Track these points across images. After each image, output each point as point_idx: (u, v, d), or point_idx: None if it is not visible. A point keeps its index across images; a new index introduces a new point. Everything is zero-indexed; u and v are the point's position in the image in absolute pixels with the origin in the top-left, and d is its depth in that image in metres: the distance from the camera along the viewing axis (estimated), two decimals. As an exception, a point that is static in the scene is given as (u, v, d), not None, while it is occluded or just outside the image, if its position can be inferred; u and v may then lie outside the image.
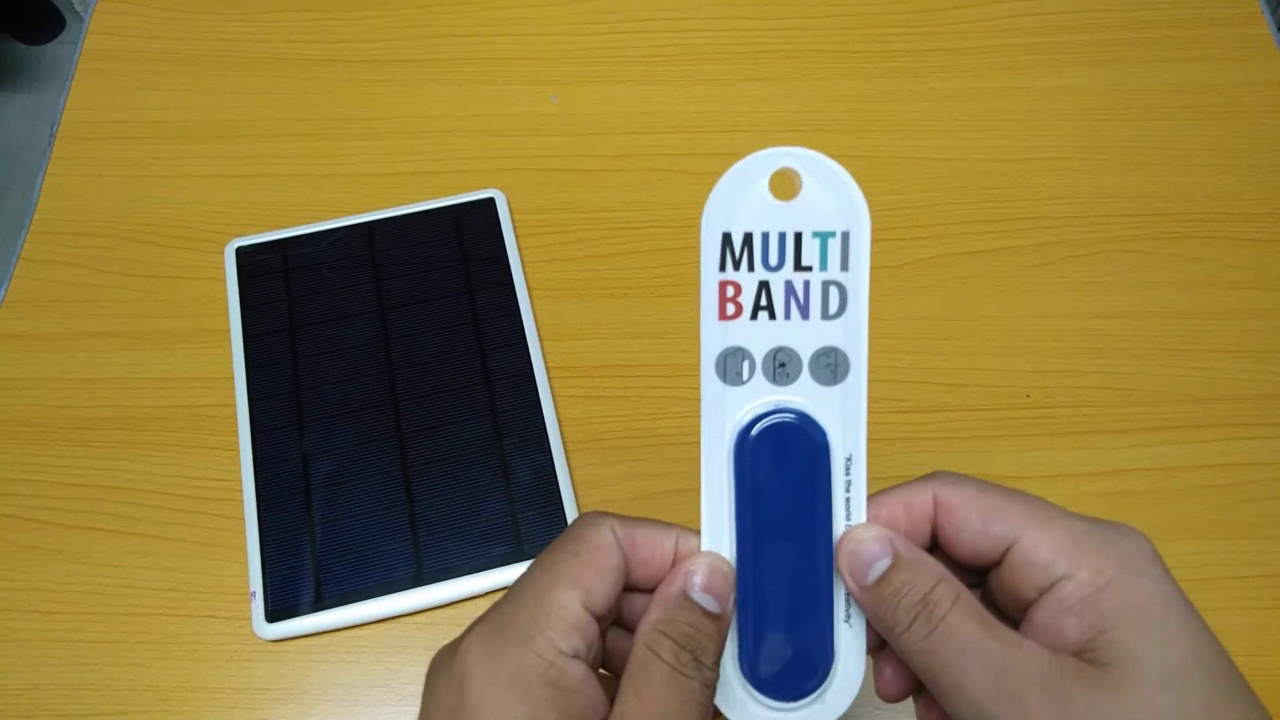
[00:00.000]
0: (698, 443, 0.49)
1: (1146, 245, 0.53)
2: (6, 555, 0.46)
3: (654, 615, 0.26)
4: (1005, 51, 0.60)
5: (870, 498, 0.27)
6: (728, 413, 0.27)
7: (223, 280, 0.52)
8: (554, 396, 0.49)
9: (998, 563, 0.25)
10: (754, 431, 0.26)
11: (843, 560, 0.26)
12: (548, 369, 0.50)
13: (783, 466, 0.26)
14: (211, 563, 0.45)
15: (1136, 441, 0.48)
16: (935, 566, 0.25)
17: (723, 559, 0.27)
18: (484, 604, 0.45)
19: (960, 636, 0.23)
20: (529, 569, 0.26)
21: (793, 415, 0.26)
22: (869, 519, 0.27)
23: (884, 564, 0.25)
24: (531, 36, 0.61)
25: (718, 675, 0.26)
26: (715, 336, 0.27)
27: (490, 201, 0.54)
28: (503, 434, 0.47)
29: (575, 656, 0.24)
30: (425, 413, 0.48)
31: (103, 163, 0.57)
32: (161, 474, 0.48)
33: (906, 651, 0.24)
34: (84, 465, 0.48)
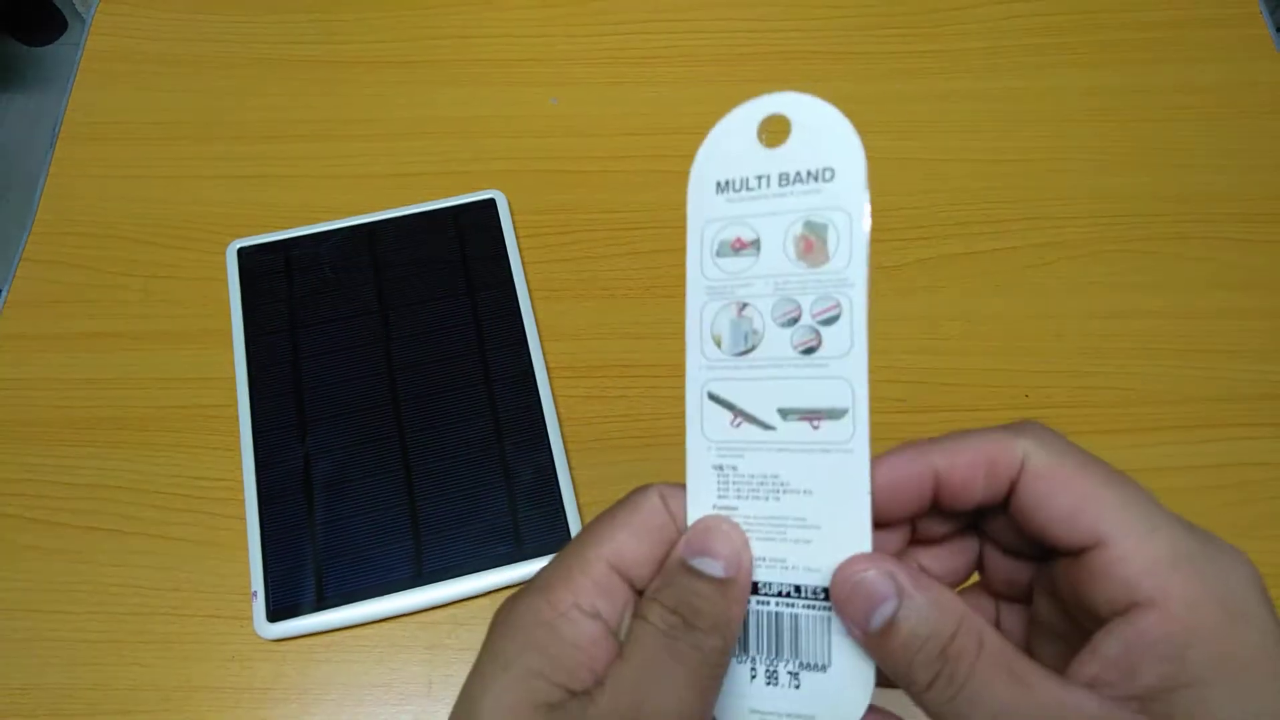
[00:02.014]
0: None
1: (1146, 245, 0.53)
2: (7, 555, 0.46)
3: (653, 587, 0.24)
4: (1005, 52, 0.60)
5: (948, 439, 0.23)
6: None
7: (224, 281, 0.52)
8: (554, 396, 0.49)
9: (1072, 554, 0.22)
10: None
11: (840, 598, 0.23)
12: (548, 369, 0.50)
13: None
14: (213, 562, 0.45)
15: (1136, 441, 0.48)
16: (952, 603, 0.21)
17: (723, 519, 0.24)
18: (485, 604, 0.45)
19: (990, 697, 0.20)
20: (585, 526, 0.25)
21: None
22: (943, 464, 0.23)
23: (889, 607, 0.21)
24: (532, 38, 0.61)
25: (726, 645, 0.23)
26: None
27: (491, 202, 0.54)
28: (503, 434, 0.47)
29: (594, 615, 0.23)
30: (426, 413, 0.48)
31: (104, 163, 0.57)
32: (162, 474, 0.48)
33: (927, 710, 0.21)
34: (85, 465, 0.48)
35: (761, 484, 0.25)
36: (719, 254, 0.25)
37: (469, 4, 0.62)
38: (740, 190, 0.25)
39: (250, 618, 0.44)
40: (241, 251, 0.53)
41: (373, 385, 0.49)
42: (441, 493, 0.46)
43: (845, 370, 0.24)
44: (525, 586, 0.25)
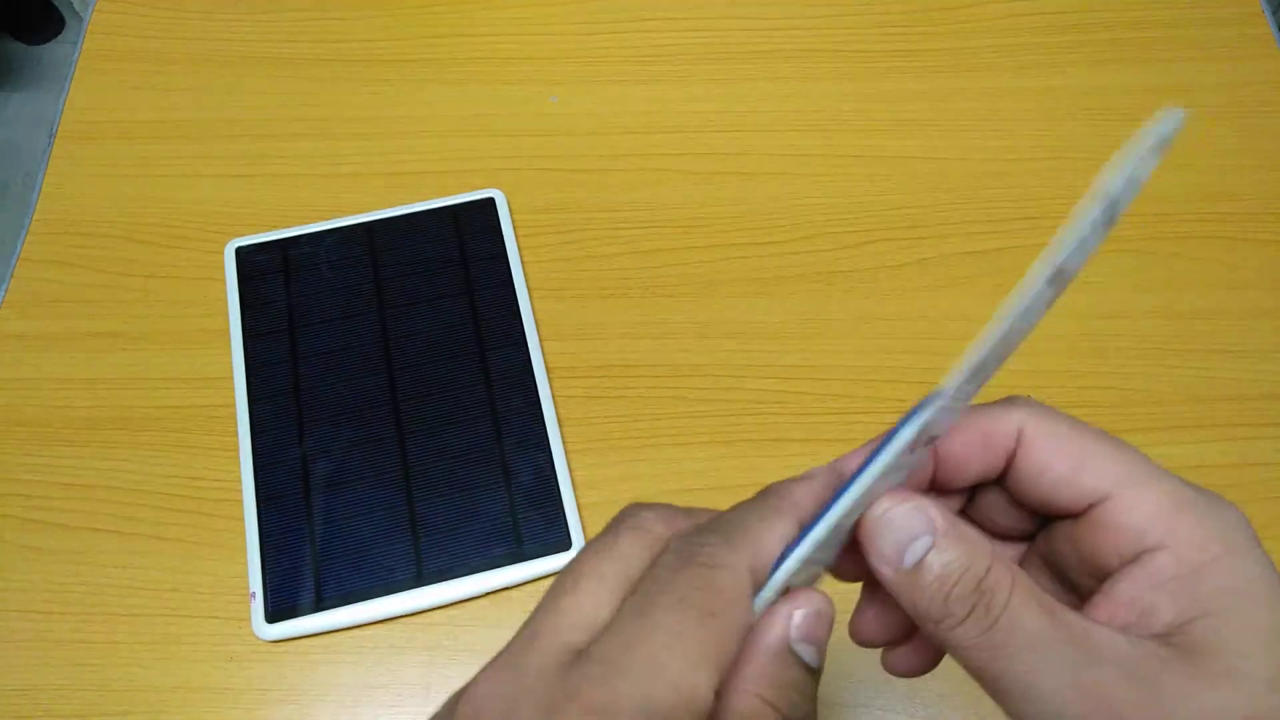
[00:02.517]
0: (698, 443, 0.49)
1: (1147, 245, 0.53)
2: (6, 555, 0.46)
3: (752, 674, 0.20)
4: (1006, 51, 0.60)
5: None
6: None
7: (222, 280, 0.52)
8: (554, 396, 0.49)
9: (1074, 516, 0.22)
10: None
11: (869, 538, 0.22)
12: (548, 369, 0.50)
13: None
14: (211, 563, 0.45)
15: (1137, 442, 0.47)
16: (985, 542, 0.21)
17: (823, 597, 0.22)
18: (484, 605, 0.45)
19: (1026, 629, 0.20)
20: (636, 605, 0.20)
21: None
22: (941, 442, 0.23)
23: (923, 544, 0.21)
24: (532, 36, 0.61)
25: None
26: None
27: (490, 201, 0.54)
28: (503, 434, 0.47)
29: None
30: (425, 413, 0.48)
31: (102, 162, 0.56)
32: (161, 474, 0.47)
33: (956, 648, 0.21)
34: (83, 465, 0.48)
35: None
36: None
37: (469, 2, 0.62)
38: None
39: (249, 618, 0.44)
40: (240, 251, 0.52)
41: (372, 385, 0.49)
42: (440, 493, 0.46)
43: None
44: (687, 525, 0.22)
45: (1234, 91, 0.58)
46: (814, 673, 0.21)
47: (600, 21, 0.61)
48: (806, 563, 0.21)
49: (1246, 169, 0.55)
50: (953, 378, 0.21)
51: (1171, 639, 0.20)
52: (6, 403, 0.49)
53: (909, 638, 0.25)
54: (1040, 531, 0.25)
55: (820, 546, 0.21)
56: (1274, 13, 0.61)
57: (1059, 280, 0.20)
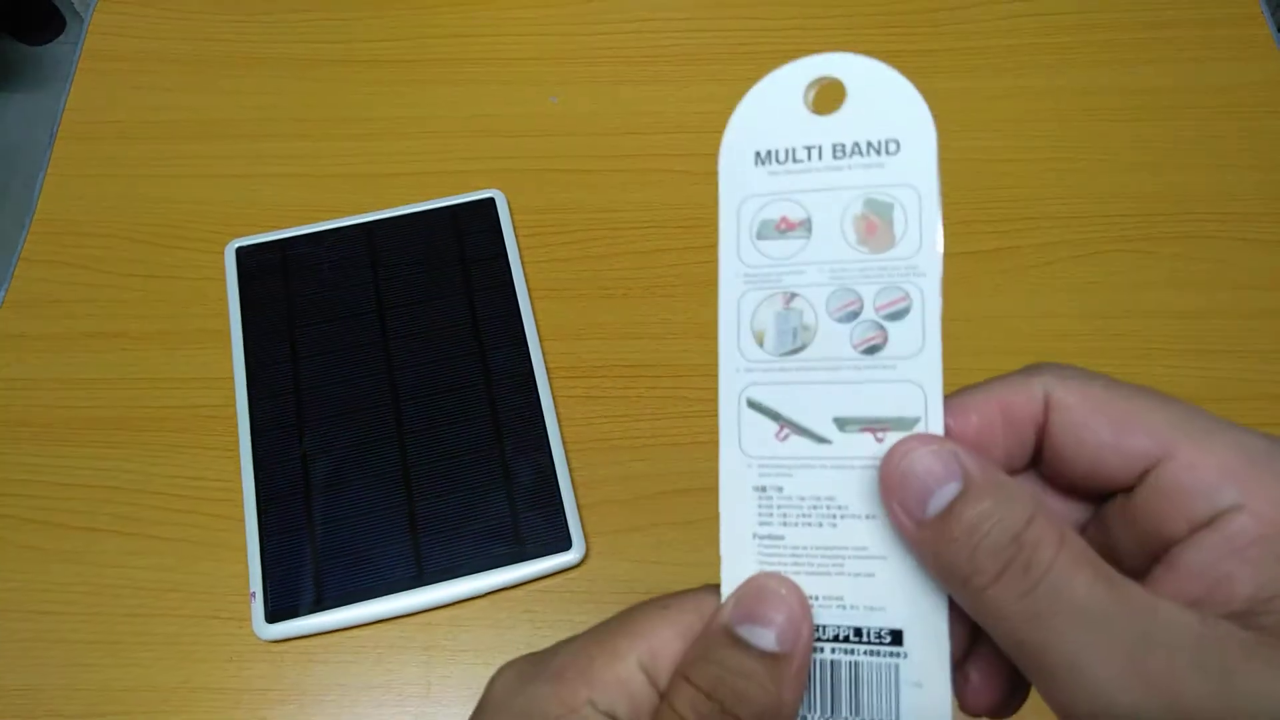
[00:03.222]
0: (698, 443, 0.49)
1: (1148, 245, 0.53)
2: (6, 556, 0.46)
3: (685, 659, 0.20)
4: (1007, 52, 0.60)
5: (950, 399, 0.20)
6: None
7: (223, 280, 0.52)
8: (554, 396, 0.49)
9: (1128, 488, 0.19)
10: None
11: (888, 484, 0.19)
12: (548, 369, 0.50)
13: None
14: (211, 563, 0.45)
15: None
16: (1025, 491, 0.18)
17: (781, 578, 0.20)
18: (484, 605, 0.45)
19: (1073, 595, 0.17)
20: (627, 609, 0.21)
21: None
22: (953, 427, 0.20)
23: (951, 490, 0.18)
24: (532, 36, 0.61)
25: None
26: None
27: (490, 202, 0.54)
28: (503, 434, 0.47)
29: (608, 715, 0.19)
30: (425, 413, 0.48)
31: (103, 163, 0.56)
32: (161, 474, 0.47)
33: (989, 615, 0.18)
34: (84, 466, 0.48)
35: (814, 508, 0.21)
36: (760, 235, 0.21)
37: (469, 2, 0.62)
38: (786, 162, 0.21)
39: (249, 619, 0.44)
40: (240, 251, 0.52)
41: (371, 385, 0.49)
42: (440, 493, 0.46)
43: (916, 372, 0.20)
44: (532, 662, 0.21)
45: (1234, 92, 0.58)
46: (775, 659, 0.19)
47: (600, 21, 0.61)
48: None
49: (1246, 169, 0.55)
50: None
51: (1254, 618, 0.17)
52: (6, 403, 0.49)
53: (1025, 686, 0.20)
54: (1090, 525, 0.21)
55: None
56: (1273, 13, 0.61)
57: None
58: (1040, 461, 0.20)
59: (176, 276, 0.53)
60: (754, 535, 0.21)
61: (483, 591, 0.44)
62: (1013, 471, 0.21)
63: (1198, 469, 0.18)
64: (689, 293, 0.52)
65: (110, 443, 0.48)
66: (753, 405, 0.21)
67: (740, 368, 0.21)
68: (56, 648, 0.44)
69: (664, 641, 0.20)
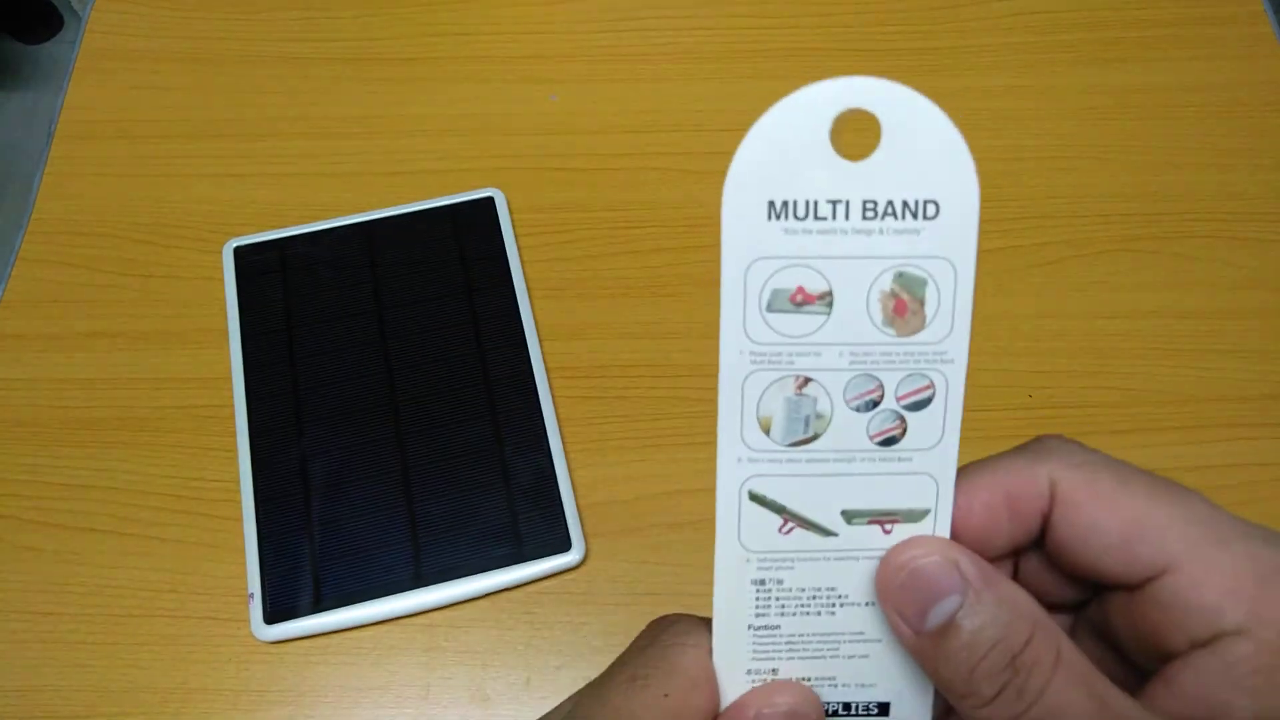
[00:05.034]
0: (698, 444, 0.49)
1: (1149, 245, 0.53)
2: (4, 556, 0.45)
3: None
4: (1007, 50, 0.60)
5: (958, 473, 0.20)
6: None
7: (221, 280, 0.52)
8: (554, 396, 0.49)
9: (1130, 588, 0.19)
10: None
11: (887, 590, 0.19)
12: (548, 369, 0.49)
13: None
14: (210, 564, 0.45)
15: (1139, 442, 0.48)
16: (1026, 604, 0.18)
17: (809, 693, 0.20)
18: (484, 606, 0.44)
19: (1065, 717, 0.17)
20: (594, 688, 0.19)
21: None
22: (958, 512, 0.19)
23: (951, 603, 0.18)
24: (531, 35, 0.61)
25: None
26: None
27: (489, 201, 0.54)
28: (502, 434, 0.47)
29: None
30: (424, 413, 0.48)
31: (101, 162, 0.56)
32: (160, 475, 0.47)
33: None
34: (82, 466, 0.48)
35: (814, 598, 0.20)
36: (772, 307, 0.19)
37: (468, 1, 0.62)
38: (806, 219, 0.18)
39: (247, 620, 0.44)
40: (238, 250, 0.52)
41: (370, 385, 0.48)
42: (440, 494, 0.46)
43: (932, 465, 0.19)
44: None
45: (1235, 91, 0.58)
46: None
47: (601, 20, 0.61)
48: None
49: (1247, 169, 0.55)
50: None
51: None
52: (4, 403, 0.49)
53: None
54: (1092, 602, 0.21)
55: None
56: (1276, 12, 0.61)
57: None
58: (1045, 543, 0.20)
59: (175, 276, 0.53)
60: (749, 626, 0.20)
61: (482, 593, 0.44)
62: (1017, 552, 0.21)
63: (1203, 588, 0.17)
64: (689, 293, 0.52)
65: (108, 443, 0.48)
66: (755, 499, 0.20)
67: (743, 457, 0.19)
68: (54, 649, 0.44)
69: None
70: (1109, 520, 0.18)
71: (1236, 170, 0.55)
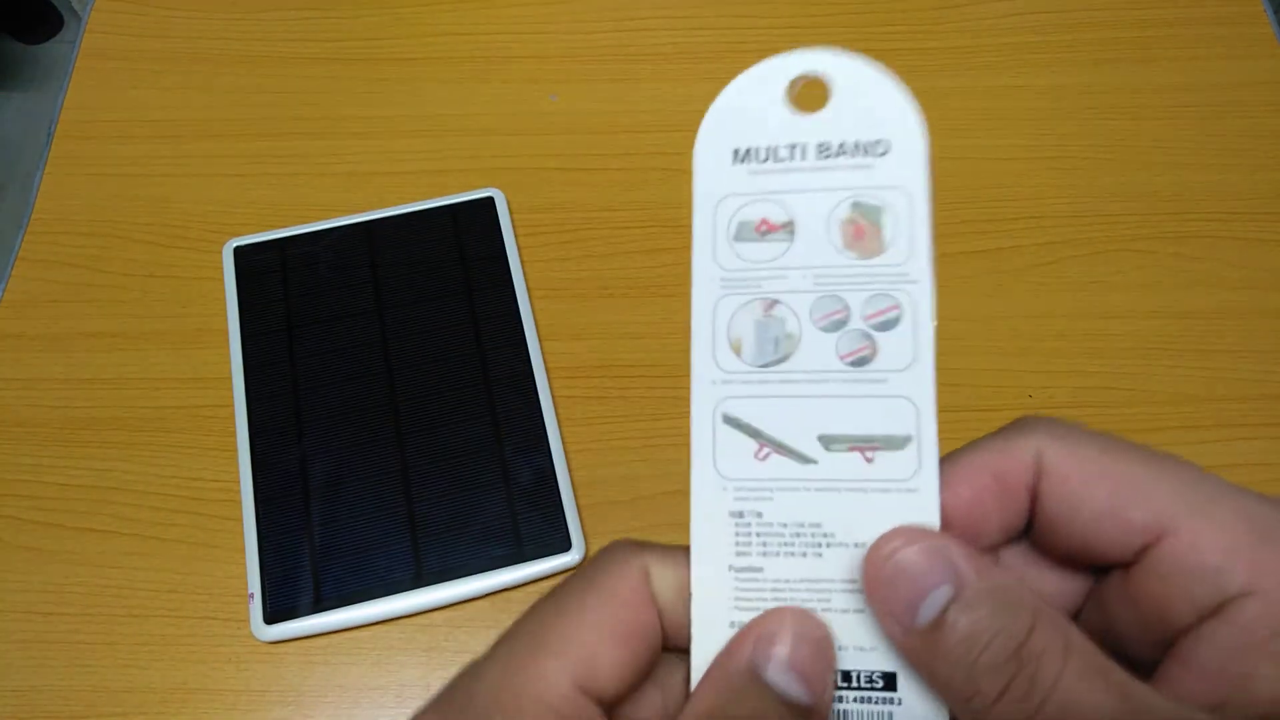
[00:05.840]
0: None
1: (1149, 245, 0.53)
2: (3, 556, 0.45)
3: (702, 703, 0.17)
4: (1007, 50, 0.60)
5: (940, 466, 0.19)
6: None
7: (221, 280, 0.52)
8: (554, 396, 0.49)
9: (1128, 563, 0.17)
10: None
11: (873, 584, 0.17)
12: (548, 369, 0.49)
13: None
14: (210, 564, 0.45)
15: (1140, 442, 0.48)
16: (1026, 593, 0.16)
17: (816, 621, 0.18)
18: (483, 606, 0.44)
19: (1084, 713, 0.15)
20: (527, 613, 0.18)
21: None
22: (946, 499, 0.18)
23: (942, 595, 0.16)
24: (531, 35, 0.61)
25: None
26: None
27: (489, 201, 0.54)
28: (502, 434, 0.47)
29: None
30: (424, 413, 0.48)
31: (100, 162, 0.56)
32: (159, 475, 0.47)
33: None
34: (81, 466, 0.48)
35: (797, 535, 0.19)
36: (739, 237, 0.20)
37: (468, 1, 0.62)
38: (767, 160, 0.20)
39: (247, 620, 0.44)
40: (238, 250, 0.52)
41: (370, 385, 0.48)
42: (440, 494, 0.46)
43: (908, 387, 0.19)
44: (441, 712, 0.17)
45: (1235, 91, 0.58)
46: (802, 712, 0.17)
47: (601, 20, 0.61)
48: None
49: (1247, 169, 0.55)
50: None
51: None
52: (5, 403, 0.49)
53: None
54: (1089, 600, 0.19)
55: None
56: (1275, 12, 0.61)
57: None
58: (1031, 530, 0.19)
59: (174, 276, 0.53)
60: (730, 568, 0.19)
61: (482, 593, 0.44)
62: (1009, 542, 0.20)
63: (1200, 548, 0.16)
64: (689, 292, 0.52)
65: (108, 443, 0.48)
66: (729, 421, 0.20)
67: (715, 379, 0.20)
68: (54, 649, 0.43)
69: (597, 651, 0.17)
70: (1098, 486, 0.17)
71: (1236, 170, 0.55)
